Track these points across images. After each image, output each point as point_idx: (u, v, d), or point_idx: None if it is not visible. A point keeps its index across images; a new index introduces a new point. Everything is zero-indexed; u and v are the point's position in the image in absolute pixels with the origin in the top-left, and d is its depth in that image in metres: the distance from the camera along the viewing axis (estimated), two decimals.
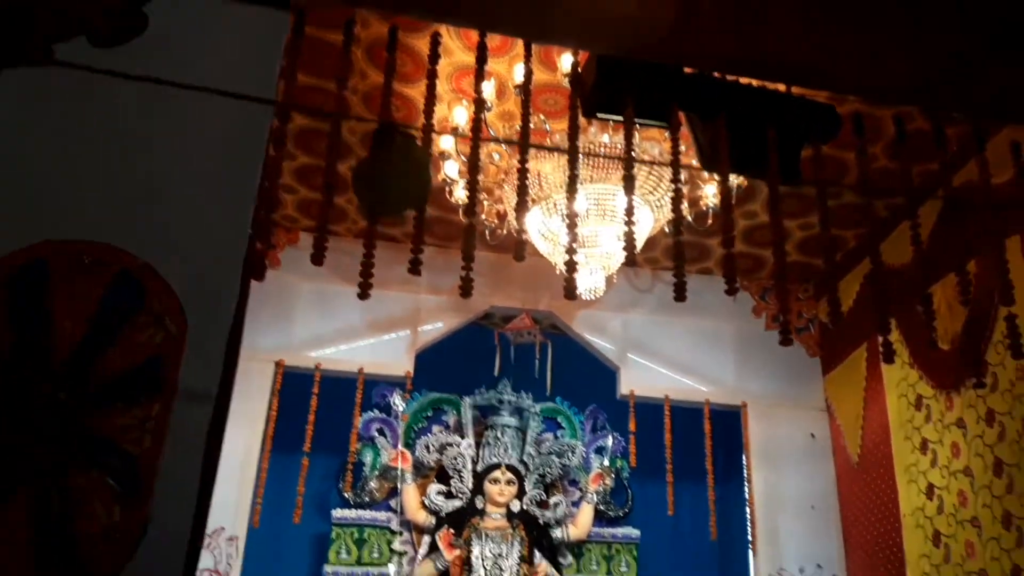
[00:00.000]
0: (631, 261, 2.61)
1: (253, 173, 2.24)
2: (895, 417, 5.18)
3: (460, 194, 4.40)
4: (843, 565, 5.49)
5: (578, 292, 4.25)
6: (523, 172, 2.61)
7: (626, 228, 2.64)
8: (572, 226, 2.51)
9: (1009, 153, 3.80)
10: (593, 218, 4.08)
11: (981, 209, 3.61)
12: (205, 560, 4.79)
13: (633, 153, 3.88)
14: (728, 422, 5.79)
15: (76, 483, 1.94)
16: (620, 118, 2.98)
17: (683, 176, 4.36)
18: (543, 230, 4.23)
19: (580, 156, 3.15)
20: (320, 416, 5.21)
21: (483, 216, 4.58)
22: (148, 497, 1.96)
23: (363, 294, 2.24)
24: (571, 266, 2.63)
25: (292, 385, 5.26)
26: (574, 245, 2.66)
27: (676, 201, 2.74)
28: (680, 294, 2.60)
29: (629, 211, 2.68)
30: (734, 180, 4.47)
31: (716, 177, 4.31)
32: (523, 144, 2.73)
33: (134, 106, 2.20)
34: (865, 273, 5.50)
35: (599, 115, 3.00)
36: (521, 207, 2.63)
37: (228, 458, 4.92)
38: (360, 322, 5.48)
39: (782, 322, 2.56)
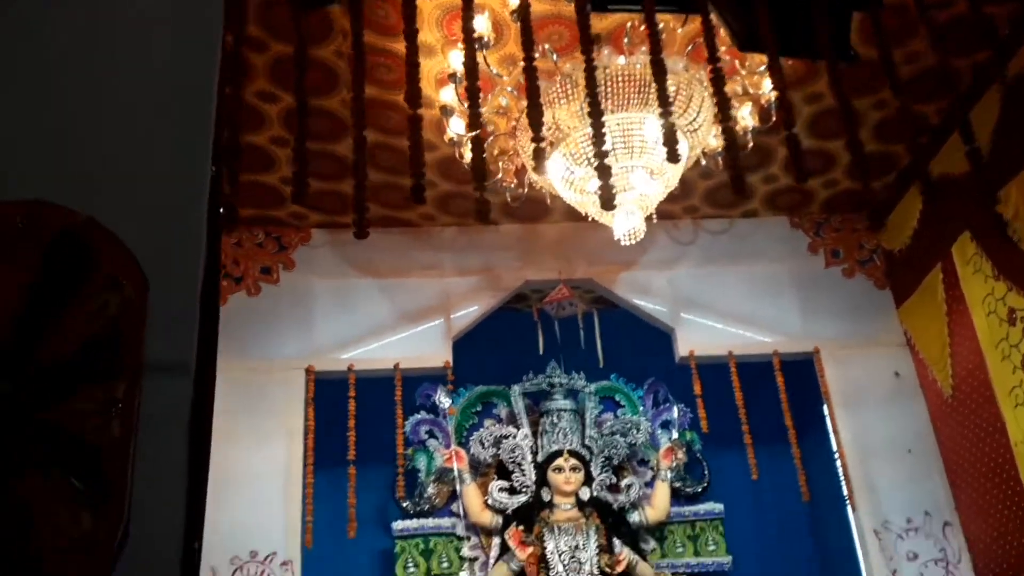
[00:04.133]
0: (673, 157, 2.19)
1: (207, 98, 1.86)
2: (987, 338, 4.66)
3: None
4: (952, 508, 4.97)
5: (616, 237, 3.84)
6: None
7: (663, 120, 2.24)
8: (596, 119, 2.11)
9: None
10: (620, 155, 3.66)
11: None
12: None
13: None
14: (802, 371, 5.29)
15: (33, 488, 1.56)
16: (636, 7, 2.59)
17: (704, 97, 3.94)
18: (568, 177, 3.81)
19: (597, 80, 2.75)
20: (361, 421, 4.81)
21: (499, 177, 4.16)
22: (122, 497, 1.57)
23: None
24: (604, 171, 2.23)
25: (326, 392, 4.88)
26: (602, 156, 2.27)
27: (717, 83, 2.32)
28: (739, 187, 2.19)
29: (664, 101, 2.27)
30: (765, 96, 4.04)
31: (751, 91, 3.89)
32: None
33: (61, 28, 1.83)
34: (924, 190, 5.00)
35: (610, 7, 2.62)
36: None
37: (270, 478, 4.63)
38: (389, 315, 5.08)
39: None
